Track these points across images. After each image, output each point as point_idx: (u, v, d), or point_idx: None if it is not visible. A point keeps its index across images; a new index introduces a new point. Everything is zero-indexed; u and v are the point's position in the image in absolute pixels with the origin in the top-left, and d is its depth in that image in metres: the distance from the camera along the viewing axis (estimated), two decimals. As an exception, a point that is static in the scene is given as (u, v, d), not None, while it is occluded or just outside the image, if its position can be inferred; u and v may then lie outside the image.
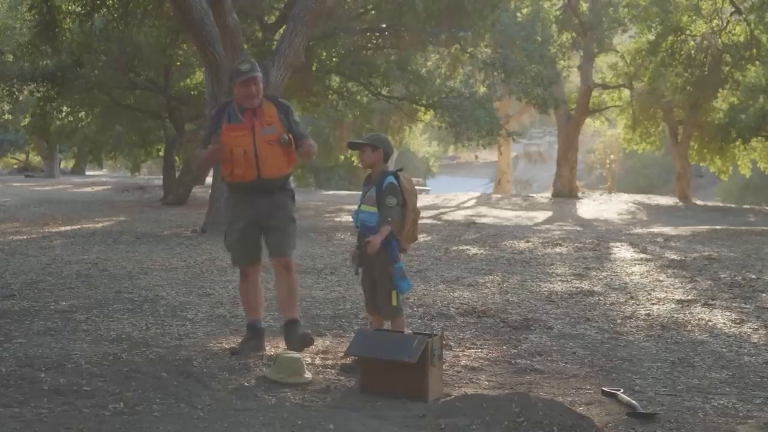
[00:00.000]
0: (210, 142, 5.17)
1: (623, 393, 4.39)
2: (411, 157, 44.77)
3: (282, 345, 5.27)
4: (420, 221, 5.20)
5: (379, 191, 4.87)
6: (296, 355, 4.76)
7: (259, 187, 5.09)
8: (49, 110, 20.06)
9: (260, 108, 5.11)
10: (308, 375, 4.62)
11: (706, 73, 22.32)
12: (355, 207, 5.12)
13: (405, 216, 4.92)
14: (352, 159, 32.34)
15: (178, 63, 19.73)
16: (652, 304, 7.33)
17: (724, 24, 22.27)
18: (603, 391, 4.50)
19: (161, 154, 23.83)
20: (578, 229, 15.52)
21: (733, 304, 7.28)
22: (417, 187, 5.41)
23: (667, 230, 14.79)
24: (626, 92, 25.86)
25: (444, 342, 5.02)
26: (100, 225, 14.10)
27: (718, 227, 15.57)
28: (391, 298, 4.89)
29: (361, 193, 5.12)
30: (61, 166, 38.93)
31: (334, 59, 18.25)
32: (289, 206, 5.26)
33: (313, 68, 17.86)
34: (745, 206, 26.41)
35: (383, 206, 4.84)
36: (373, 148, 4.98)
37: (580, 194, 27.17)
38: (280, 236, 5.18)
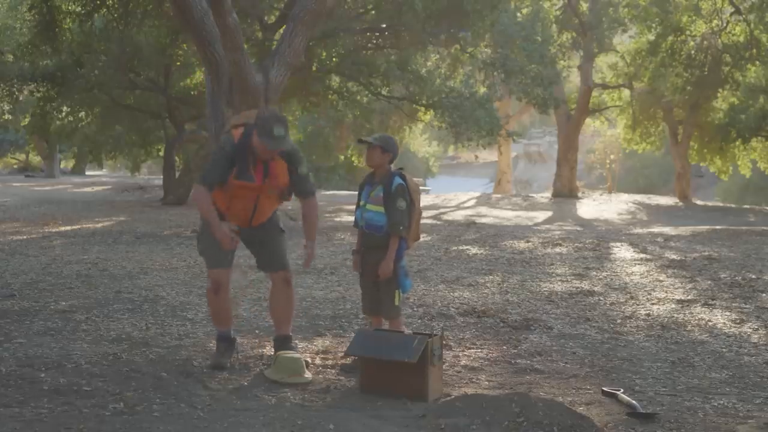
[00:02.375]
0: (215, 181, 4.67)
1: (623, 393, 4.39)
2: (411, 157, 44.73)
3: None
4: (420, 221, 5.21)
5: (388, 193, 4.87)
6: (296, 355, 4.77)
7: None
8: (49, 110, 20.03)
9: (274, 163, 4.72)
10: (308, 375, 4.63)
11: (706, 73, 22.31)
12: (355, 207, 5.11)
13: (411, 215, 4.94)
14: (352, 159, 32.31)
15: (178, 63, 19.71)
16: (652, 304, 7.34)
17: (724, 24, 22.26)
18: (603, 391, 4.50)
19: (161, 154, 23.80)
20: (578, 229, 15.52)
21: (733, 304, 7.29)
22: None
23: (667, 230, 14.79)
24: (626, 92, 25.84)
25: (444, 342, 5.02)
26: (100, 225, 14.09)
27: (718, 227, 15.57)
28: (395, 298, 4.91)
29: (357, 192, 5.11)
30: (61, 166, 38.91)
31: (334, 59, 18.24)
32: (276, 217, 5.00)
33: (313, 68, 17.84)
34: (745, 206, 26.38)
35: (394, 210, 4.84)
36: (383, 150, 4.95)
37: (580, 194, 27.15)
38: (274, 248, 4.92)
